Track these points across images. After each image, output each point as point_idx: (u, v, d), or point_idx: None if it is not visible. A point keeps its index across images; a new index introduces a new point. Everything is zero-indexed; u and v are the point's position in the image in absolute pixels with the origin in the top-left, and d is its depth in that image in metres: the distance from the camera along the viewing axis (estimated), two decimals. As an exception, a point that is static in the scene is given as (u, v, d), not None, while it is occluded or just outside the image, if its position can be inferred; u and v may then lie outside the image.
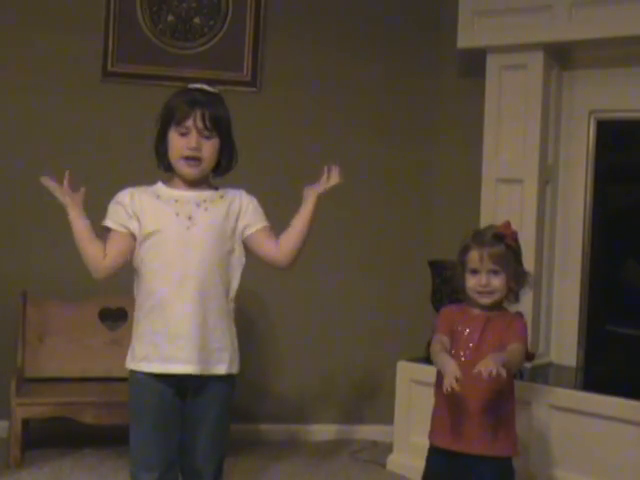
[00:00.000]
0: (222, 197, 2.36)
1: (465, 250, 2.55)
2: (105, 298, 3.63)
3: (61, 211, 3.71)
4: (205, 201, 2.33)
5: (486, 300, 2.51)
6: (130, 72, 3.77)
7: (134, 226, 2.31)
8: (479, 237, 2.54)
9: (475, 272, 2.51)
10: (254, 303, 3.77)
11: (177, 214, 2.29)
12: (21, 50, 3.72)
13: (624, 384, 3.20)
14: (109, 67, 3.76)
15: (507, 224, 2.57)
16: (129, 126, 3.70)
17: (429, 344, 2.63)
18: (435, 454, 2.56)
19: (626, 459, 2.97)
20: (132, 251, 2.33)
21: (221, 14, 3.84)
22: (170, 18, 3.81)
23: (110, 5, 3.73)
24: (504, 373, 2.26)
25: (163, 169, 2.37)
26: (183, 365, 2.26)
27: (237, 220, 2.35)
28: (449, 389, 2.29)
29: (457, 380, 2.28)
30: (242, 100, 3.74)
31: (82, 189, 2.33)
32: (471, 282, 2.52)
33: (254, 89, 3.86)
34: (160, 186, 2.36)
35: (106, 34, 3.74)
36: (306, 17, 3.90)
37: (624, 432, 2.98)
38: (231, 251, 2.35)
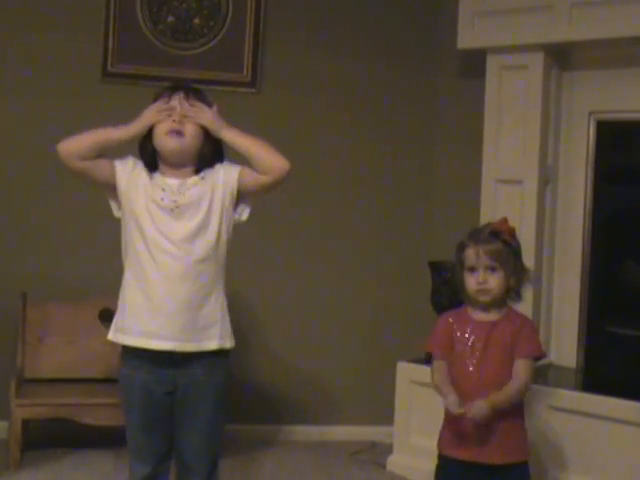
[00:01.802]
0: (203, 178, 2.34)
1: (461, 248, 2.52)
2: (105, 299, 3.61)
3: (61, 212, 3.74)
4: (188, 185, 2.31)
5: (485, 298, 2.48)
6: (130, 73, 3.77)
7: (120, 175, 2.31)
8: (475, 235, 2.51)
9: (473, 270, 2.48)
10: (252, 303, 3.77)
11: (162, 199, 2.28)
12: (21, 50, 3.72)
13: (624, 385, 3.20)
14: (109, 67, 3.76)
15: (503, 220, 2.53)
16: (129, 127, 3.69)
17: (428, 354, 2.64)
18: (449, 466, 2.51)
19: (626, 459, 2.97)
20: (101, 174, 2.32)
21: (221, 15, 3.84)
22: (170, 19, 3.81)
23: (110, 6, 3.73)
24: (487, 418, 2.36)
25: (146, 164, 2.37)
26: (162, 342, 2.26)
27: (225, 186, 2.33)
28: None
29: (461, 411, 2.38)
30: (242, 101, 3.75)
31: None
32: (469, 280, 2.49)
33: (254, 90, 3.86)
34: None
35: (106, 35, 3.74)
36: (306, 18, 3.90)
37: (624, 433, 2.98)
38: (220, 222, 2.32)
